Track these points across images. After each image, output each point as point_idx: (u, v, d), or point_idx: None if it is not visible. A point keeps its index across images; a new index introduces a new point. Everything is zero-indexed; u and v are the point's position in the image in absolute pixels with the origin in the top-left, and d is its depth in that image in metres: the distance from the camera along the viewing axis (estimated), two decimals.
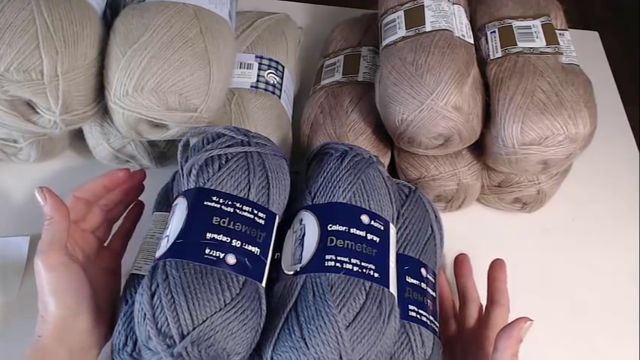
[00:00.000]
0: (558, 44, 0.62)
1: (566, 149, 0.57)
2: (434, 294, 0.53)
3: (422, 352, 0.48)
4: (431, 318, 0.51)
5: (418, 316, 0.49)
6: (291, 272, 0.45)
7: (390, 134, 0.61)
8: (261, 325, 0.43)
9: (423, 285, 0.51)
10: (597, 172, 0.74)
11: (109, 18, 0.57)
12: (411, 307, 0.49)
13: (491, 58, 0.62)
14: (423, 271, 0.52)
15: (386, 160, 0.65)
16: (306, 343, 0.41)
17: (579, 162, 0.63)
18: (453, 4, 0.63)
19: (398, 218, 0.54)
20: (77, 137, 0.66)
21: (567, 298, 0.64)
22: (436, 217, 0.57)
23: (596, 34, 0.90)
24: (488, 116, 0.60)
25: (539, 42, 0.62)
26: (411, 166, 0.64)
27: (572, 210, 0.71)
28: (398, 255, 0.51)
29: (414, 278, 0.51)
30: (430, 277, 0.53)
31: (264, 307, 0.44)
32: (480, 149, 0.62)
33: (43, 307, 0.46)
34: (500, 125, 0.57)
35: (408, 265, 0.52)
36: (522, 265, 0.66)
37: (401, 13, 0.62)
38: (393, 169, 0.67)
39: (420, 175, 0.63)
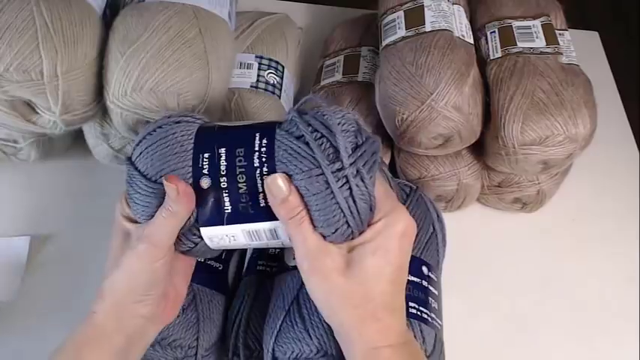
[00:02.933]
0: (558, 44, 0.62)
1: (566, 149, 0.57)
2: (436, 292, 0.53)
3: (423, 349, 0.48)
4: (432, 315, 0.51)
5: (419, 313, 0.49)
6: (293, 265, 0.45)
7: (390, 134, 0.61)
8: None
9: (425, 283, 0.52)
10: (597, 172, 0.73)
11: (108, 18, 0.57)
12: (411, 304, 0.49)
13: (491, 58, 0.62)
14: (424, 269, 0.52)
15: (386, 160, 0.65)
16: (309, 334, 0.42)
17: (579, 162, 0.63)
18: (453, 4, 0.63)
19: None
20: (77, 137, 0.66)
21: (567, 298, 0.64)
22: (438, 216, 0.57)
23: (596, 34, 0.90)
24: (488, 116, 0.60)
25: (539, 42, 0.62)
26: (411, 166, 0.64)
27: (572, 210, 0.71)
28: None
29: (415, 276, 0.51)
30: (432, 275, 0.53)
31: None
32: (480, 149, 0.62)
33: (110, 285, 0.42)
34: (500, 125, 0.57)
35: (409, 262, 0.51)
36: (522, 265, 0.66)
37: (401, 13, 0.62)
38: (393, 169, 0.67)
39: (420, 175, 0.63)
